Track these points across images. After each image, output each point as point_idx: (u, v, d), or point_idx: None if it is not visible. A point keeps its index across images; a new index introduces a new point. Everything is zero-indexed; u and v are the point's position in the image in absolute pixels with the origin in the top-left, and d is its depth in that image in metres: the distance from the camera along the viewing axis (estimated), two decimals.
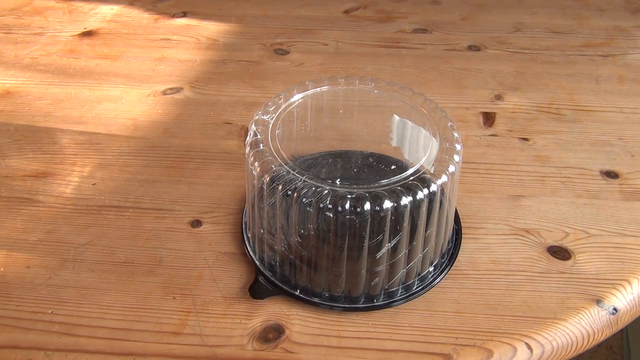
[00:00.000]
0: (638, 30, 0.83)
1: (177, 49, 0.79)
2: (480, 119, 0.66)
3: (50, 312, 0.46)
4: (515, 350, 0.43)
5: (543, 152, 0.61)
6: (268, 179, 0.43)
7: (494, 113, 0.67)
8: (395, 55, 0.78)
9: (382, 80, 0.53)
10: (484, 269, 0.49)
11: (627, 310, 0.46)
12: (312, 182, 0.42)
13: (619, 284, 0.47)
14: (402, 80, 0.73)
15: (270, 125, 0.47)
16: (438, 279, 0.47)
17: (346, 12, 0.89)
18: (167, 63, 0.76)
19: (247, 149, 0.46)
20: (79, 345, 0.43)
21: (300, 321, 0.45)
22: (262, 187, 0.44)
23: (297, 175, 0.43)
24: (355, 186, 0.42)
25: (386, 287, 0.46)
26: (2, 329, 0.44)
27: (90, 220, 0.53)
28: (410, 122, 0.49)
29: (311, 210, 0.42)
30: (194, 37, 0.81)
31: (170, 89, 0.71)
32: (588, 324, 0.45)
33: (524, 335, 0.43)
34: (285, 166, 0.43)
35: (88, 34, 0.83)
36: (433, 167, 0.43)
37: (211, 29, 0.83)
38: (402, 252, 0.44)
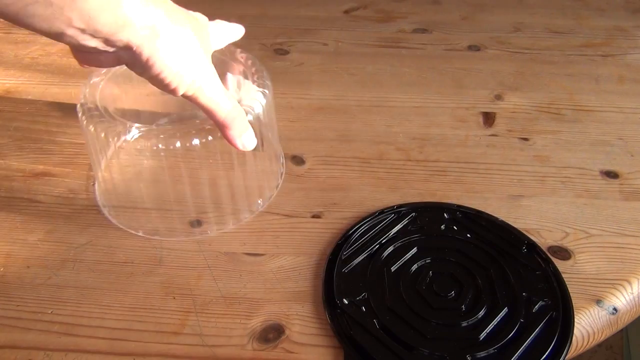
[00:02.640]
0: (638, 30, 0.83)
1: None
2: (480, 119, 0.66)
3: (50, 312, 0.46)
4: None
5: (543, 152, 0.61)
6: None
7: (494, 113, 0.67)
8: (395, 55, 0.78)
9: None
10: None
11: (627, 310, 0.46)
12: (118, 118, 0.49)
13: (619, 284, 0.47)
14: (402, 80, 0.73)
15: (100, 86, 0.52)
16: None
17: (346, 12, 0.89)
18: None
19: (80, 111, 0.50)
20: (79, 345, 0.43)
21: (300, 321, 0.45)
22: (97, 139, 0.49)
23: (118, 120, 0.49)
24: (169, 127, 0.48)
25: None
26: (2, 329, 0.44)
27: (90, 220, 0.53)
28: (239, 76, 0.55)
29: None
30: None
31: None
32: (588, 324, 0.45)
33: None
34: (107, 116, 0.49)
35: None
36: (242, 106, 0.48)
37: None
38: (223, 184, 0.52)
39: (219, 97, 0.43)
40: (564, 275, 0.47)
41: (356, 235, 0.50)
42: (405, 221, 0.51)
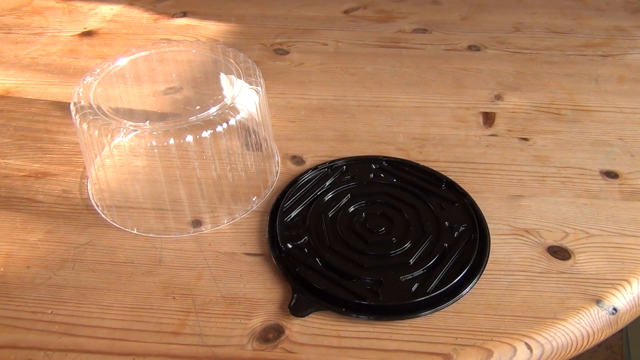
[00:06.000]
0: (638, 30, 0.83)
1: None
2: (480, 119, 0.66)
3: (50, 312, 0.46)
4: (515, 350, 0.43)
5: (543, 152, 0.61)
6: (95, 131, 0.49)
7: (494, 113, 0.67)
8: (395, 55, 0.78)
9: (204, 43, 0.63)
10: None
11: (627, 310, 0.46)
12: (116, 118, 0.50)
13: (619, 284, 0.47)
14: (402, 80, 0.73)
15: (94, 85, 0.53)
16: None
17: (346, 12, 0.89)
18: (167, 63, 0.76)
19: (73, 109, 0.51)
20: (79, 345, 0.43)
21: (300, 321, 0.45)
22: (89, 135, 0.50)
23: (111, 118, 0.49)
24: (162, 124, 0.49)
25: None
26: (2, 329, 0.44)
27: (90, 220, 0.53)
28: (232, 75, 0.56)
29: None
30: (194, 37, 0.81)
31: (170, 88, 0.71)
32: (588, 324, 0.45)
33: (523, 335, 0.43)
34: (101, 114, 0.50)
35: (88, 34, 0.83)
36: (234, 104, 0.51)
37: (211, 29, 0.83)
38: (217, 182, 0.53)
39: None
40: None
41: (293, 189, 0.55)
42: (337, 174, 0.56)
